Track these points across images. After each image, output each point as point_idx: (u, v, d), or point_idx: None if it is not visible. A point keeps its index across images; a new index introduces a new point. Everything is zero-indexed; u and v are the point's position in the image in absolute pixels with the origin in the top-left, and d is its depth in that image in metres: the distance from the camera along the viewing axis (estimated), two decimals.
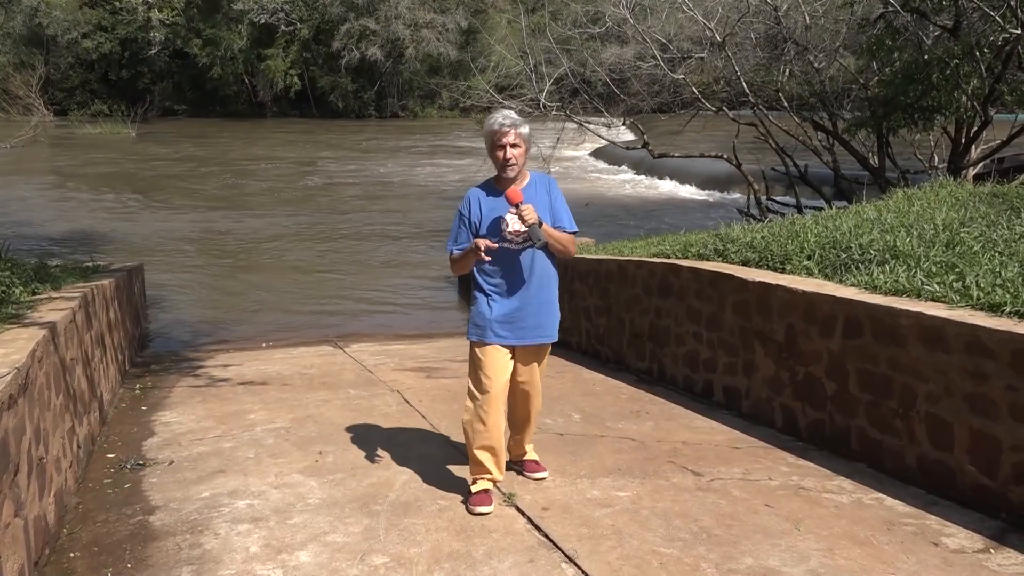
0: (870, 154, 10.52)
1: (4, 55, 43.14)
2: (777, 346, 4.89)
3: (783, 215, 9.50)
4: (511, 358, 3.81)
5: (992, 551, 3.31)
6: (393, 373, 6.74)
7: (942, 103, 8.62)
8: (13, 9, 45.54)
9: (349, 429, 5.05)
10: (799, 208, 10.68)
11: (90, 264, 7.53)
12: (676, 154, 12.75)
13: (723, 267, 5.59)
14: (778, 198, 12.43)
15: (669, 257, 6.43)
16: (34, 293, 4.99)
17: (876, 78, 9.92)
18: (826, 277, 4.91)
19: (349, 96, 48.45)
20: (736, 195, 18.81)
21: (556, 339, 3.90)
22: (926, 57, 8.70)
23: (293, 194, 21.87)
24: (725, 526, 3.57)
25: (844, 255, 5.03)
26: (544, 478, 4.12)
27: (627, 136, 17.26)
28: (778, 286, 4.85)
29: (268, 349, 8.28)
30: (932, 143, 10.88)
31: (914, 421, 3.97)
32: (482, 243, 3.61)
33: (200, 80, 47.81)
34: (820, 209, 7.71)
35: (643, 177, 24.53)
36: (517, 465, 4.21)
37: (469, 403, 3.80)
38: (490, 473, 3.82)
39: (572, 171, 25.71)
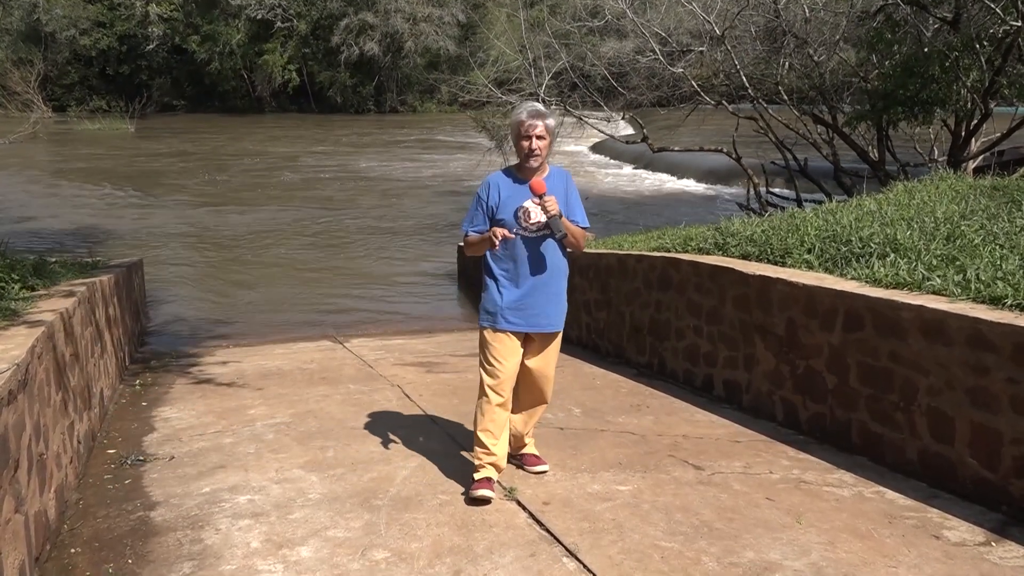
0: (870, 147, 10.51)
1: (2, 51, 43.04)
2: (778, 340, 4.88)
3: (783, 209, 9.48)
4: (521, 344, 3.87)
5: (993, 544, 3.31)
6: (393, 368, 6.73)
7: (942, 96, 8.60)
8: (11, 5, 45.43)
9: (349, 424, 5.05)
10: (799, 202, 10.67)
11: (89, 260, 7.51)
12: (676, 148, 12.75)
13: (723, 261, 5.58)
14: (778, 191, 12.42)
15: (669, 251, 6.42)
16: (33, 289, 4.98)
17: (876, 71, 9.90)
18: (826, 271, 4.90)
19: (348, 91, 48.36)
20: (736, 189, 18.80)
21: (561, 329, 3.95)
22: (926, 50, 8.68)
23: (293, 190, 21.85)
24: (726, 520, 3.57)
25: (844, 248, 5.02)
26: (544, 471, 4.13)
27: (626, 130, 17.26)
28: (778, 280, 4.84)
29: (268, 345, 8.28)
30: (932, 136, 10.86)
31: (915, 414, 3.97)
32: (500, 233, 3.66)
33: (198, 75, 47.72)
34: (820, 202, 7.71)
35: (643, 171, 24.51)
36: (516, 459, 4.21)
37: (481, 387, 3.87)
38: (493, 455, 3.83)
39: (572, 166, 25.67)
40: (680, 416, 5.17)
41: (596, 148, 28.83)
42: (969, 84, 8.49)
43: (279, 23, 45.87)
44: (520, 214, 3.78)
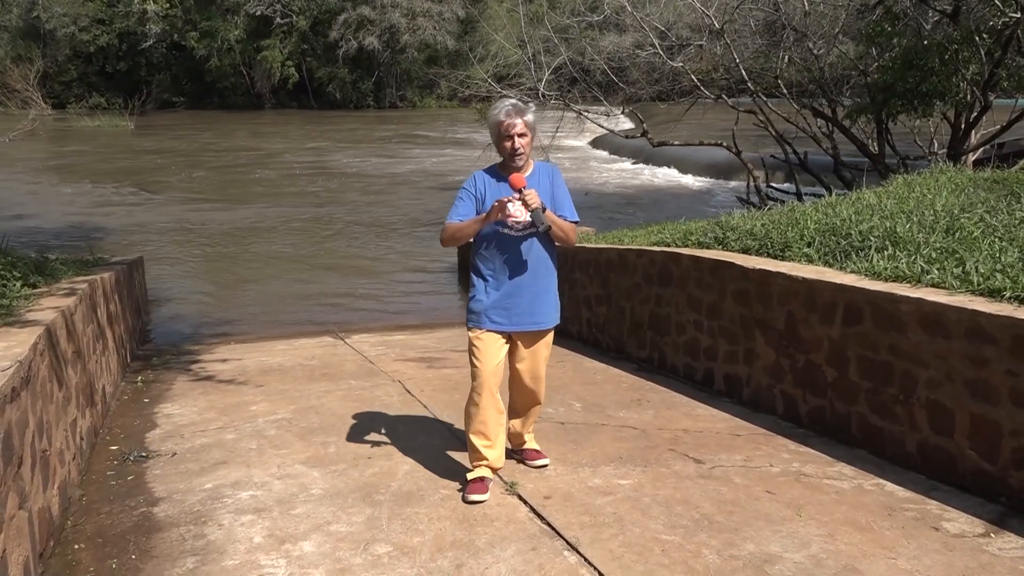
0: (870, 141, 10.51)
1: (1, 49, 43.04)
2: (777, 334, 4.90)
3: (783, 202, 9.48)
4: (505, 343, 3.84)
5: (992, 535, 3.33)
6: (394, 363, 6.75)
7: (941, 89, 8.60)
8: (9, 3, 45.39)
9: (351, 420, 5.07)
10: (799, 195, 10.68)
11: (90, 257, 7.52)
12: (675, 142, 12.74)
13: (723, 255, 5.59)
14: (778, 185, 12.42)
15: (669, 246, 6.43)
16: (35, 287, 5.00)
17: (875, 64, 9.90)
18: (826, 264, 4.91)
19: (347, 87, 48.36)
20: (736, 183, 18.80)
21: (551, 327, 3.91)
22: (925, 43, 8.68)
23: (293, 186, 21.85)
24: (726, 513, 3.58)
25: (844, 242, 5.02)
26: (545, 465, 4.14)
27: (626, 125, 17.25)
28: (778, 273, 4.85)
29: (269, 341, 8.29)
30: (932, 129, 10.86)
31: (915, 407, 3.98)
32: (503, 201, 3.58)
33: (198, 72, 47.72)
34: (820, 196, 7.71)
35: (643, 165, 24.50)
36: (518, 454, 4.22)
37: (471, 388, 3.86)
38: (485, 459, 3.83)
39: (572, 160, 25.68)
40: (680, 410, 5.18)
41: (596, 143, 28.83)
42: (968, 76, 8.49)
43: (278, 19, 45.85)
44: (503, 214, 3.71)
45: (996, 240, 4.47)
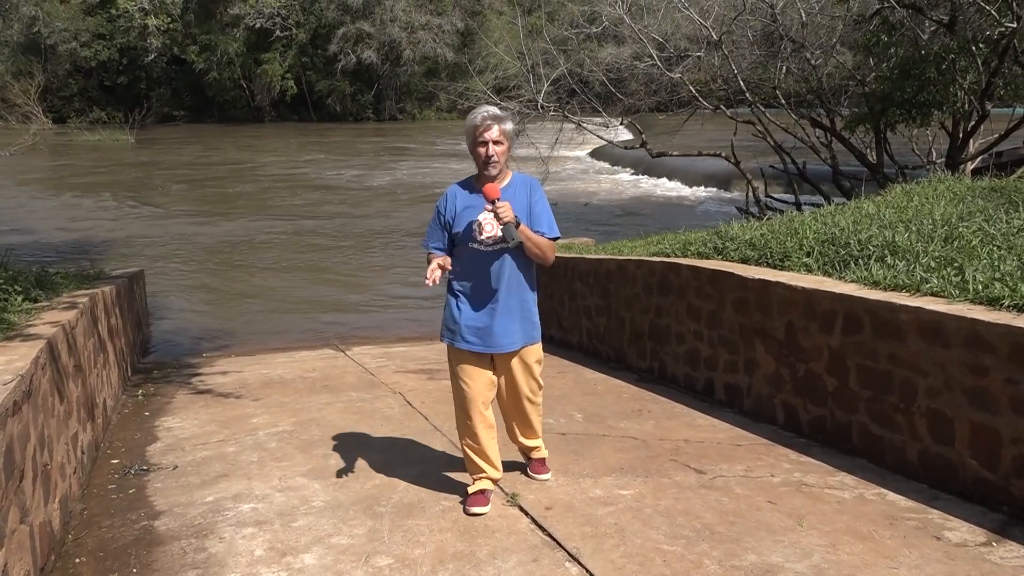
0: (868, 150, 10.53)
1: (2, 64, 43.22)
2: (777, 343, 4.90)
3: (782, 212, 9.50)
4: (490, 361, 3.74)
5: (994, 544, 3.32)
6: (395, 375, 6.75)
7: (939, 98, 8.63)
8: (11, 18, 45.60)
9: (352, 432, 5.07)
10: (798, 205, 10.69)
11: (91, 270, 7.53)
12: (674, 153, 12.77)
13: (722, 265, 5.60)
14: (777, 195, 12.44)
15: (669, 256, 6.44)
16: (36, 301, 5.00)
17: (873, 74, 9.93)
18: (825, 274, 4.92)
19: (347, 99, 48.52)
20: (735, 193, 18.83)
21: (529, 344, 3.74)
22: (922, 52, 8.72)
23: (291, 198, 21.90)
24: (728, 523, 3.58)
25: (843, 251, 5.03)
26: (547, 479, 4.12)
27: (625, 136, 17.29)
28: (777, 283, 4.86)
29: (269, 353, 8.29)
30: (930, 138, 10.89)
31: (915, 416, 3.98)
32: (434, 273, 3.43)
33: (198, 86, 47.91)
34: (819, 206, 7.73)
35: (642, 176, 24.55)
36: (525, 460, 4.18)
37: (454, 404, 3.81)
38: (484, 472, 3.81)
39: (571, 171, 25.74)
40: (681, 420, 5.18)
41: (595, 154, 28.89)
42: (966, 86, 8.52)
43: (277, 32, 46.04)
44: (474, 229, 3.58)
45: (995, 249, 4.48)
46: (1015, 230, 4.78)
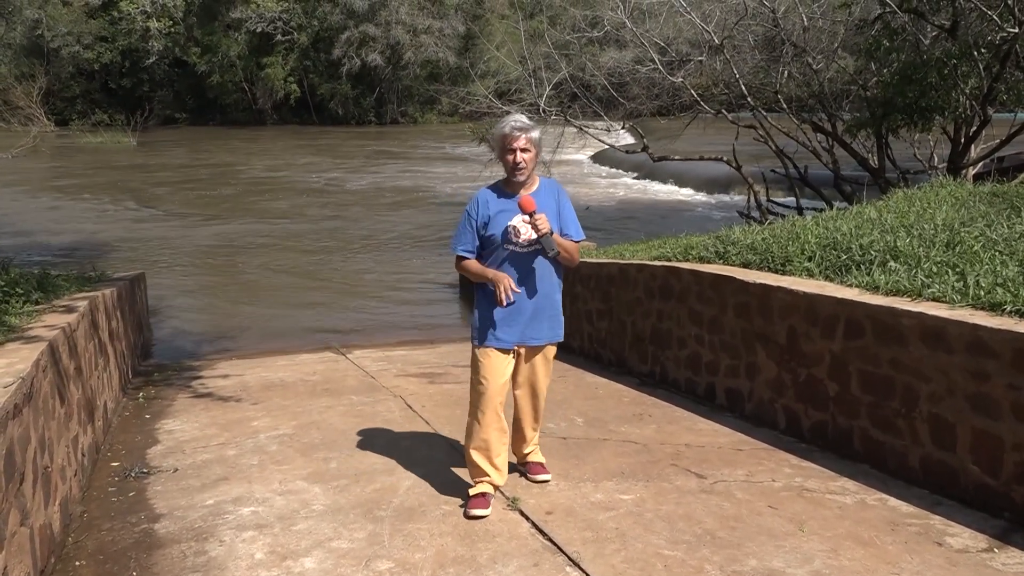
0: (870, 155, 10.52)
1: (5, 66, 43.26)
2: (779, 348, 4.89)
3: (783, 217, 9.49)
4: (512, 359, 3.87)
5: (996, 550, 3.32)
6: (396, 379, 6.75)
7: (941, 103, 8.62)
8: (14, 20, 45.66)
9: (352, 435, 5.06)
10: (799, 209, 10.68)
11: (92, 273, 7.54)
12: (676, 157, 12.76)
13: (724, 269, 5.60)
14: (778, 200, 12.43)
15: (670, 260, 6.44)
16: (37, 303, 5.01)
17: (874, 79, 9.92)
18: (827, 278, 4.91)
19: (349, 103, 48.56)
20: (736, 197, 18.83)
21: (554, 342, 3.95)
22: (924, 57, 8.71)
23: (295, 201, 21.90)
24: (729, 528, 3.57)
25: (845, 256, 5.03)
26: (547, 481, 4.13)
27: (627, 140, 17.31)
28: (779, 288, 4.85)
29: (270, 356, 8.29)
30: (932, 143, 10.88)
31: (917, 421, 3.98)
32: (505, 291, 3.63)
33: (200, 88, 47.94)
34: (820, 210, 7.72)
35: (643, 180, 24.56)
36: (522, 466, 4.22)
37: (471, 404, 3.87)
38: (487, 476, 3.84)
39: (572, 175, 25.73)
40: (682, 425, 5.18)
41: (597, 158, 28.90)
42: (968, 91, 8.51)
43: (279, 35, 46.08)
44: (511, 231, 3.75)
45: (997, 254, 4.48)
46: (1017, 235, 4.77)
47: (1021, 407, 3.48)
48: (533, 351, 3.91)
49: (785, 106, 10.96)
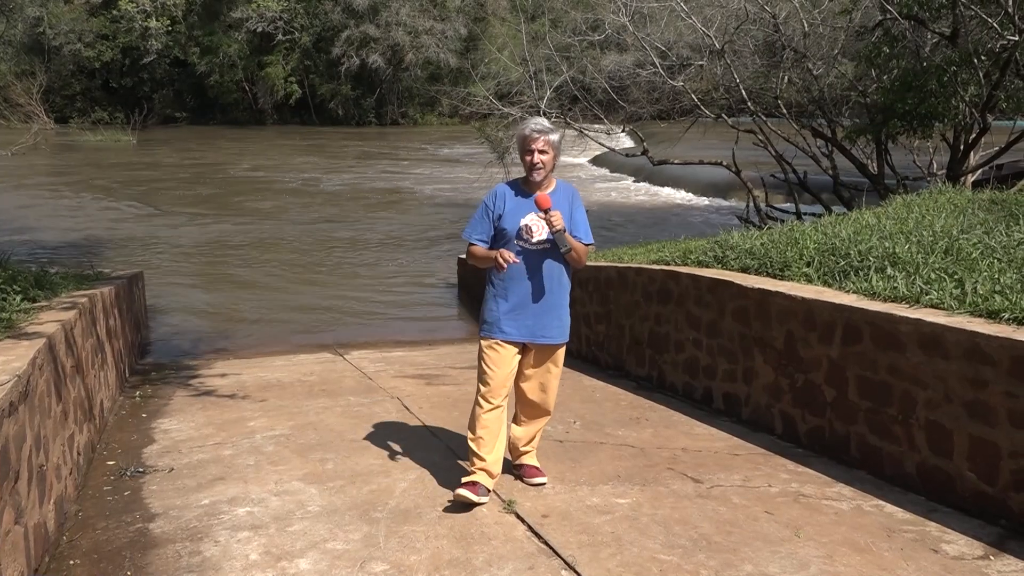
0: (869, 161, 10.53)
1: (5, 63, 43.25)
2: (776, 353, 4.89)
3: (782, 222, 9.50)
4: (517, 354, 3.94)
5: (992, 558, 3.31)
6: (393, 380, 6.74)
7: (940, 110, 8.64)
8: (15, 18, 45.65)
9: (349, 436, 5.06)
10: (798, 215, 10.69)
11: (90, 271, 7.53)
12: (676, 161, 12.77)
13: (722, 274, 5.60)
14: (777, 205, 12.44)
15: (668, 264, 6.44)
16: (34, 301, 5.00)
17: (874, 85, 9.94)
18: (825, 284, 4.92)
19: (349, 103, 48.57)
20: (735, 202, 18.85)
21: (563, 342, 4.01)
22: (924, 64, 8.73)
23: (292, 201, 21.90)
24: (725, 533, 3.57)
25: (843, 262, 5.03)
26: (543, 484, 4.13)
27: (627, 143, 17.30)
28: (777, 293, 4.86)
29: (268, 356, 8.29)
30: (931, 150, 10.89)
31: (913, 428, 3.98)
32: (507, 256, 3.74)
33: (200, 88, 47.94)
34: (819, 216, 7.73)
35: (643, 184, 24.57)
36: (516, 469, 4.22)
37: (476, 395, 3.96)
38: (483, 461, 3.88)
39: (572, 178, 25.74)
40: (679, 429, 5.17)
41: (596, 161, 28.90)
42: (967, 98, 8.53)
43: (280, 35, 46.08)
44: (523, 229, 3.87)
45: (995, 261, 4.48)
46: (1015, 243, 4.78)
47: (1018, 414, 3.48)
48: (543, 354, 3.99)
49: (785, 111, 10.97)
